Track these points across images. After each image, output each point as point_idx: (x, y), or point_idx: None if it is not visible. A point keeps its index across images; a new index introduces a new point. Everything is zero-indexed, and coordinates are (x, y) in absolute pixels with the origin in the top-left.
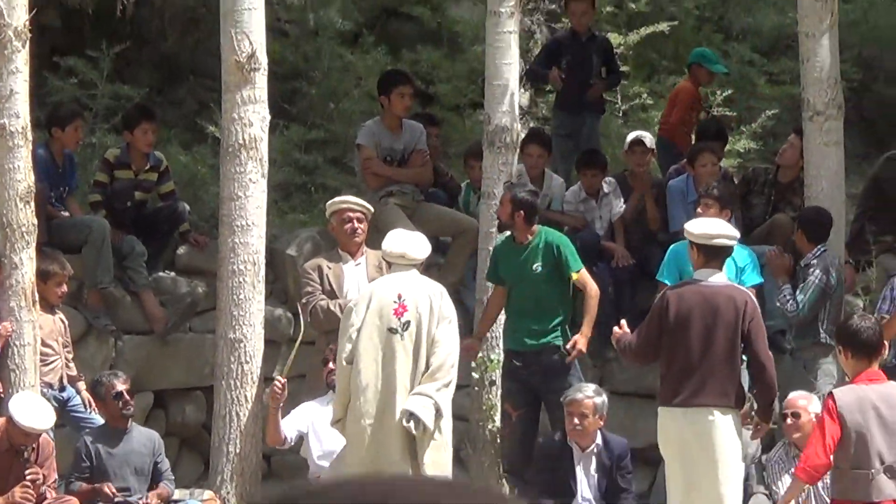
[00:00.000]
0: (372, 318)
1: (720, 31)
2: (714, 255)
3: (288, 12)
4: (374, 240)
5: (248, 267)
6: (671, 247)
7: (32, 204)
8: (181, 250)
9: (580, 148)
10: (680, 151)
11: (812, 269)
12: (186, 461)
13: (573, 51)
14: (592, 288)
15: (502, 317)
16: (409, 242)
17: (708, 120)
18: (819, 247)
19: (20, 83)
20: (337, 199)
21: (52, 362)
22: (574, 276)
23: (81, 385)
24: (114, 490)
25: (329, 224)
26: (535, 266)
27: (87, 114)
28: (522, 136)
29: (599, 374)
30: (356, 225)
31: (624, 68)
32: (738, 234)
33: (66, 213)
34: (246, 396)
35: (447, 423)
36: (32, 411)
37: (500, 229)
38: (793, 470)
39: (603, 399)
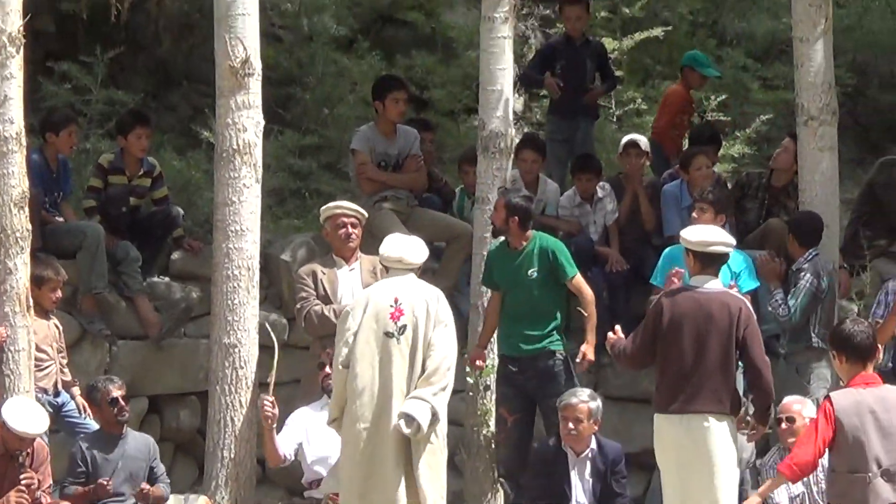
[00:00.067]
0: (368, 323)
1: (714, 36)
2: (710, 262)
3: (282, 18)
4: (369, 245)
5: (242, 272)
6: (666, 250)
7: (27, 209)
8: (175, 255)
9: (574, 153)
10: (667, 155)
11: (803, 274)
12: (181, 466)
13: (567, 56)
14: (588, 293)
15: None
16: (406, 247)
17: (702, 124)
18: (810, 251)
19: (14, 88)
20: (331, 204)
21: (46, 368)
22: (570, 281)
23: (76, 390)
24: (110, 484)
25: (323, 229)
26: (529, 271)
27: (81, 119)
28: (517, 141)
29: (594, 378)
30: (350, 230)
31: (618, 73)
32: (734, 242)
33: (61, 219)
34: (240, 401)
35: (442, 427)
36: (26, 416)
37: (495, 235)
38: (774, 449)
39: (597, 404)
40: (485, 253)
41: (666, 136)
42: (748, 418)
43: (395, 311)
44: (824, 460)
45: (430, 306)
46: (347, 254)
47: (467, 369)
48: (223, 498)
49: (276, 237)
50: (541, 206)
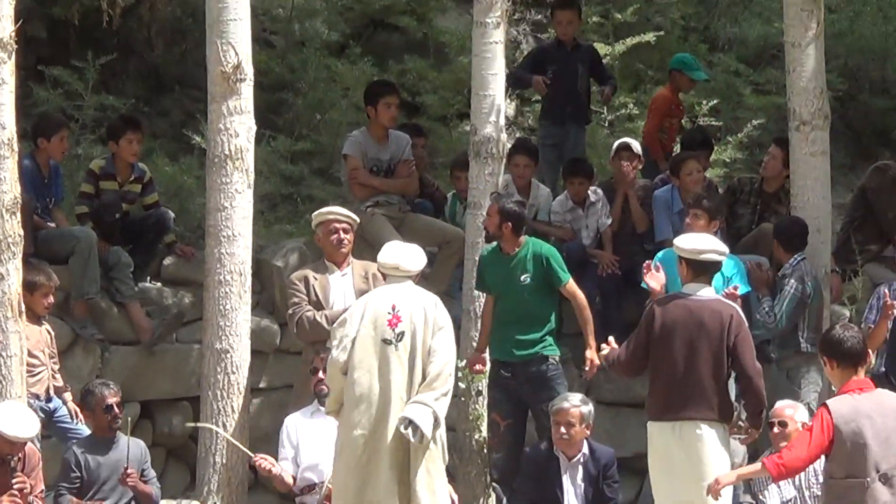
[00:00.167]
0: (366, 329)
1: (706, 41)
2: (703, 270)
3: (274, 23)
4: (361, 250)
5: (234, 277)
6: (658, 254)
7: (19, 215)
8: (168, 261)
9: (566, 158)
10: (654, 159)
11: (787, 280)
12: (173, 472)
13: (558, 60)
14: (582, 298)
15: None
16: (403, 254)
17: (693, 129)
18: (796, 256)
19: (6, 94)
20: (323, 209)
21: (38, 373)
22: (563, 287)
23: (68, 396)
24: None
25: (315, 235)
26: (522, 277)
27: (72, 125)
28: (509, 146)
29: (586, 383)
30: (342, 235)
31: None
32: (727, 250)
33: (53, 224)
34: (232, 407)
35: (442, 432)
36: (16, 420)
37: (488, 240)
38: (766, 454)
39: (589, 408)
40: (477, 258)
41: (653, 139)
42: (741, 423)
43: (393, 317)
44: (817, 465)
45: (427, 313)
46: (339, 259)
47: (459, 374)
48: (215, 503)
49: (268, 242)
50: (533, 211)
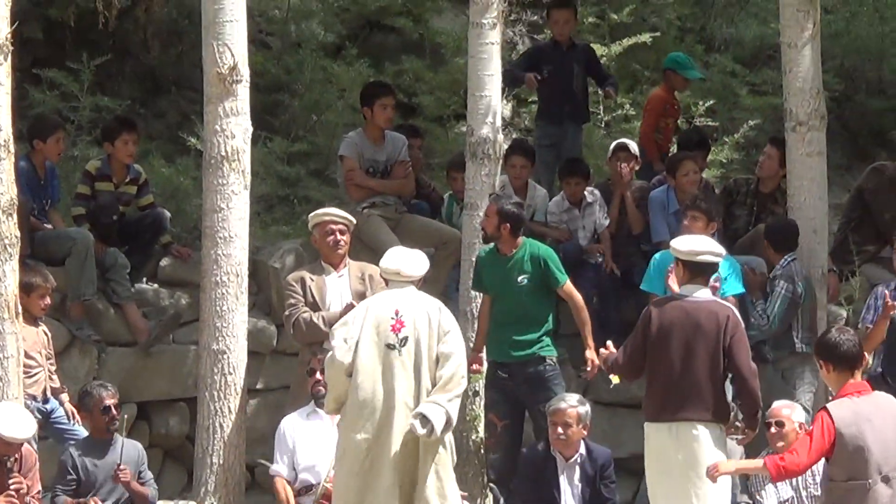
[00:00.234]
0: (369, 334)
1: (702, 41)
2: (699, 271)
3: (270, 24)
4: (357, 251)
5: (231, 278)
6: (655, 255)
7: (15, 216)
8: (164, 262)
9: (562, 158)
10: (649, 159)
11: (777, 281)
12: (170, 473)
13: (554, 60)
14: (579, 299)
15: None
16: (404, 259)
17: (690, 130)
18: (786, 257)
19: (2, 96)
20: (319, 210)
21: (35, 374)
22: (560, 288)
23: (64, 397)
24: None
25: (311, 236)
26: (520, 278)
27: (68, 126)
28: (505, 147)
29: (584, 384)
30: (339, 237)
31: None
32: (723, 251)
33: (49, 226)
34: (229, 408)
35: (450, 435)
36: (13, 421)
37: (486, 241)
38: (764, 454)
39: (586, 409)
40: (473, 259)
41: (649, 140)
42: (737, 423)
43: (396, 322)
44: (816, 467)
45: (431, 318)
46: (336, 260)
47: None
48: None
49: (264, 244)
50: (530, 211)
